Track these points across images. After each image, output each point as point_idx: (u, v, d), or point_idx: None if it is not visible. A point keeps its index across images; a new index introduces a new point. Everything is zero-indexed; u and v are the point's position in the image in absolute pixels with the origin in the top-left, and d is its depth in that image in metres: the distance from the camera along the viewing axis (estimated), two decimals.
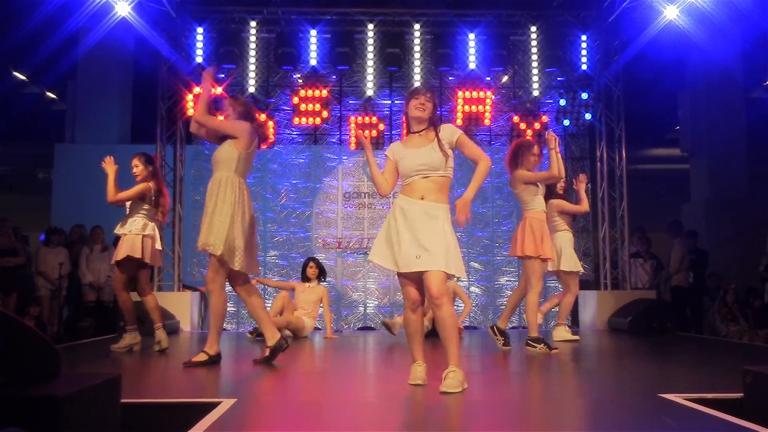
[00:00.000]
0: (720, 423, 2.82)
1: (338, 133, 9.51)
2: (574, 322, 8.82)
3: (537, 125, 9.17)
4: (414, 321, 3.77)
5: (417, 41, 9.09)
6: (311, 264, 7.55)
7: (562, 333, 6.60)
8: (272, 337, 4.72)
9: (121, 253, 5.54)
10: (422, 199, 3.74)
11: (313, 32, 8.96)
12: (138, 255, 5.53)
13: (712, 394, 3.33)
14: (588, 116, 9.19)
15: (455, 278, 7.57)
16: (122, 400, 2.93)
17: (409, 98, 3.91)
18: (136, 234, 5.57)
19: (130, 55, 11.53)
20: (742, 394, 3.24)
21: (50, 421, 2.24)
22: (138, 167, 5.77)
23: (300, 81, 9.25)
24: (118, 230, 5.68)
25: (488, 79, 9.30)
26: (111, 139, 11.45)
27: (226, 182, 4.69)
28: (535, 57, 9.14)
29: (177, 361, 5.02)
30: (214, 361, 4.72)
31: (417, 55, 9.09)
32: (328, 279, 9.32)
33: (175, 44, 8.69)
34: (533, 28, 9.10)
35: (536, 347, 5.57)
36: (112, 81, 11.70)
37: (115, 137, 11.59)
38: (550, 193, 6.42)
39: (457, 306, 7.93)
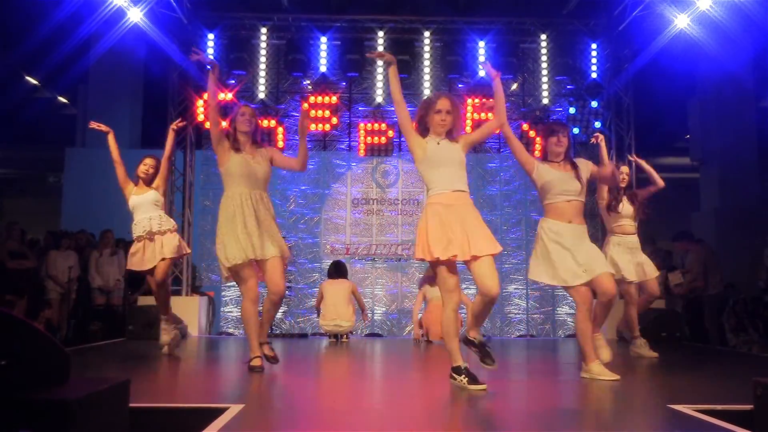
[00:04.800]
0: None
1: (347, 139, 9.53)
2: None
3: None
4: (589, 321, 4.31)
5: (426, 48, 9.12)
6: None
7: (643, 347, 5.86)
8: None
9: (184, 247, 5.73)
10: (570, 222, 4.30)
11: (324, 39, 9.01)
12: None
13: (722, 406, 3.30)
14: (597, 124, 9.17)
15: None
16: (131, 405, 2.94)
17: (548, 134, 4.46)
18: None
19: (141, 60, 11.60)
20: (752, 406, 3.21)
21: (60, 425, 2.24)
22: (153, 168, 5.79)
23: (310, 87, 9.29)
24: (170, 226, 5.70)
25: None
26: (121, 143, 11.33)
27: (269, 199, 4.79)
28: (544, 65, 9.14)
29: (186, 366, 5.03)
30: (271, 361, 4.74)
31: (426, 62, 9.11)
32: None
33: (186, 50, 8.72)
34: (543, 36, 9.10)
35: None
36: (123, 86, 11.79)
37: (125, 142, 11.63)
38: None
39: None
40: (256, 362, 4.61)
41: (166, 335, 5.59)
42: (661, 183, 6.08)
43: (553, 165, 4.42)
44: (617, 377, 4.22)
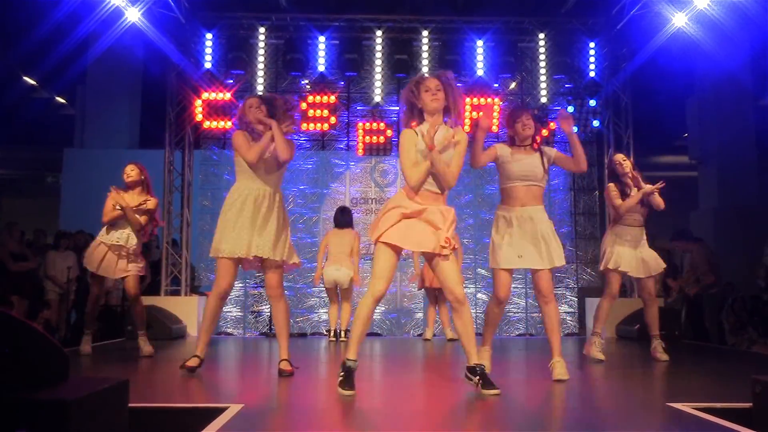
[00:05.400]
0: None
1: (346, 138, 9.54)
2: (582, 330, 8.80)
3: (545, 132, 9.16)
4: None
5: (425, 48, 9.11)
6: None
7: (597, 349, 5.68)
8: None
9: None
10: (523, 206, 4.28)
11: (322, 38, 9.00)
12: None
13: (721, 404, 3.31)
14: (596, 123, 9.18)
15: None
16: (130, 405, 2.93)
17: (512, 121, 4.46)
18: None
19: (139, 60, 11.60)
20: (751, 404, 3.21)
21: (59, 425, 2.24)
22: (134, 171, 5.78)
23: (308, 87, 9.28)
24: (135, 242, 5.68)
25: (496, 85, 9.31)
26: (120, 144, 11.52)
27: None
28: (543, 64, 9.14)
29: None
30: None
31: (425, 62, 9.10)
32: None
33: (184, 50, 8.74)
34: (541, 35, 9.10)
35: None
36: (121, 86, 11.79)
37: (123, 142, 11.65)
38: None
39: None
40: (191, 362, 4.44)
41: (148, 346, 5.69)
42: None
43: (518, 150, 4.40)
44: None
